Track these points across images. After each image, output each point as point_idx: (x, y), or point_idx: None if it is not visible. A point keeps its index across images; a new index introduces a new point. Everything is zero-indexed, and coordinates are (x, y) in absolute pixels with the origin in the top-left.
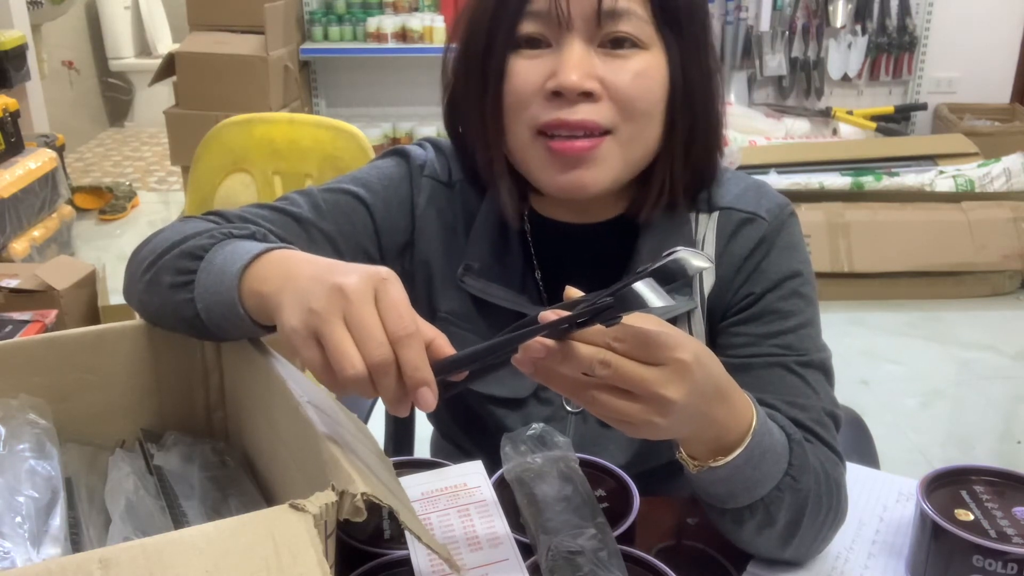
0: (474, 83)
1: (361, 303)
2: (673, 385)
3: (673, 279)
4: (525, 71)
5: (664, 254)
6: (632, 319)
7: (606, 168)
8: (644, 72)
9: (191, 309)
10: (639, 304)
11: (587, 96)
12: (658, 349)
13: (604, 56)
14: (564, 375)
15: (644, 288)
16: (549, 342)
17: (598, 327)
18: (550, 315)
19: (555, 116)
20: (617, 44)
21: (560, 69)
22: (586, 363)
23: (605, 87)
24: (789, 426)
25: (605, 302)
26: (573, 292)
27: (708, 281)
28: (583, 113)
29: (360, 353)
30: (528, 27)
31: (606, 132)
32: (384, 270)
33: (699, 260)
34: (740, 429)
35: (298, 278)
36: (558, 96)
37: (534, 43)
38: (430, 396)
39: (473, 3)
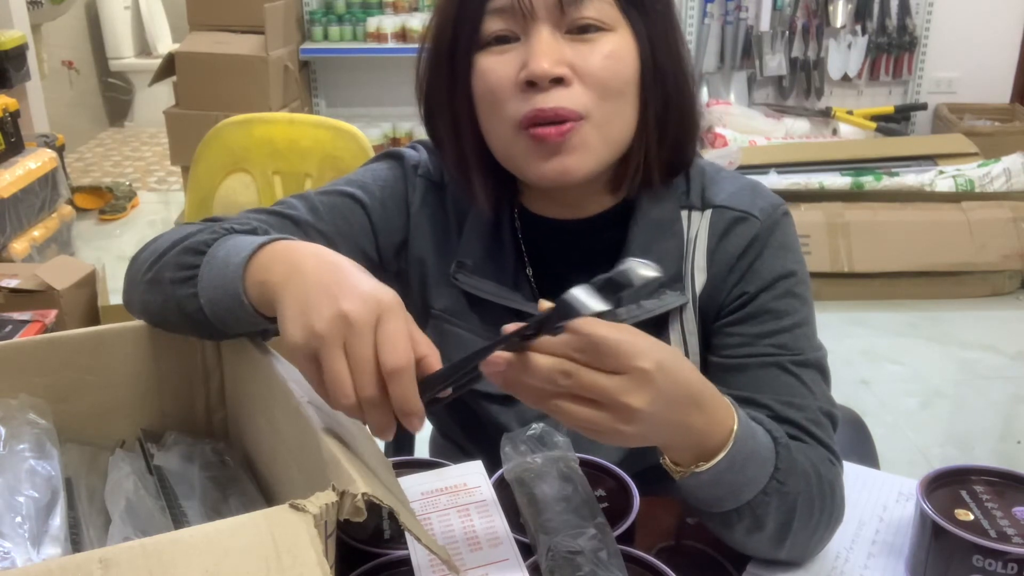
0: (444, 84)
1: (361, 334)
2: (635, 393)
3: (622, 288)
4: (496, 67)
5: (617, 265)
6: (594, 326)
7: (588, 152)
8: (613, 53)
9: (194, 304)
10: (575, 311)
11: (559, 82)
12: (617, 358)
13: (572, 42)
14: (530, 386)
15: (580, 293)
16: (507, 355)
17: (561, 337)
18: (509, 328)
19: (531, 107)
20: (583, 30)
21: (530, 58)
22: (546, 374)
23: (576, 72)
24: (776, 429)
25: (543, 313)
26: (545, 305)
27: (700, 279)
28: (557, 100)
29: (353, 381)
30: (493, 24)
31: (582, 118)
32: (387, 297)
33: (646, 270)
34: (721, 435)
35: (304, 275)
36: (532, 86)
37: (502, 39)
38: (416, 423)
39: (438, 6)
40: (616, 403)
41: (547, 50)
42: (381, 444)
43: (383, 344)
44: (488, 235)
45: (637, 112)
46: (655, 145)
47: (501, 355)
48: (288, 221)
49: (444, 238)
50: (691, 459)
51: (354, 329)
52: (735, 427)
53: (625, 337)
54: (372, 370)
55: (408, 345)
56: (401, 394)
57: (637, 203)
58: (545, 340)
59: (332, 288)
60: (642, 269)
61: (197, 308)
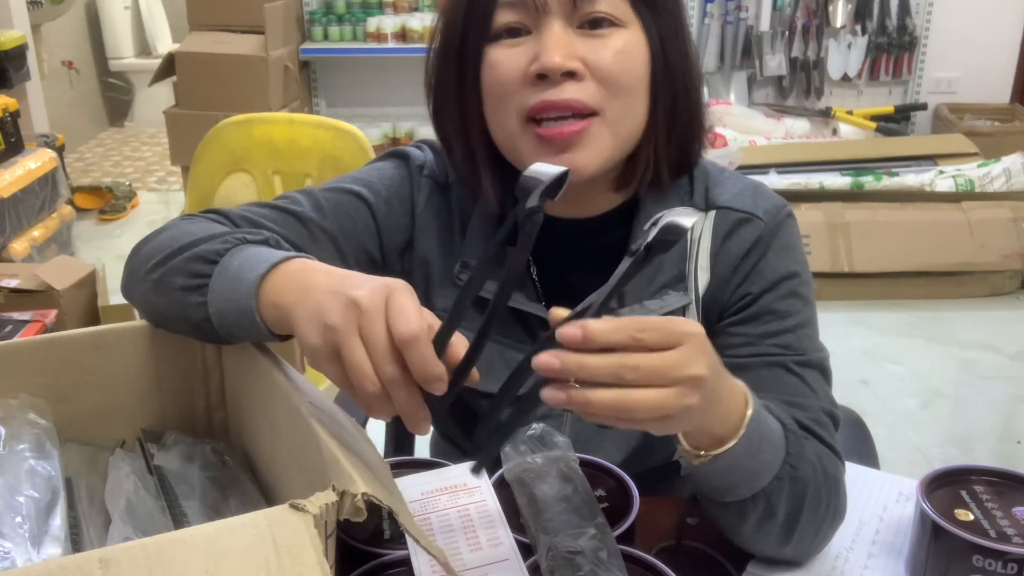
0: (453, 77)
1: (373, 315)
2: (697, 361)
3: (670, 245)
4: (507, 59)
5: (648, 226)
6: (630, 318)
7: (597, 149)
8: (624, 49)
9: (202, 313)
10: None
11: (571, 76)
12: (672, 333)
13: (584, 37)
14: (600, 396)
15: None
16: (562, 354)
17: (609, 326)
18: (559, 314)
19: (541, 98)
20: (595, 24)
21: (542, 51)
22: (613, 373)
23: (587, 66)
24: (784, 416)
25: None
26: (561, 312)
27: (703, 279)
28: (569, 93)
29: (373, 365)
30: (505, 17)
31: (593, 113)
32: (395, 281)
33: (687, 218)
34: (738, 413)
35: (315, 291)
36: (543, 79)
37: (514, 32)
38: (439, 386)
39: (448, 1)
40: (682, 378)
41: (559, 44)
42: (381, 445)
43: (393, 318)
44: (492, 235)
45: (647, 109)
46: (664, 143)
47: (555, 354)
48: (292, 217)
49: (448, 239)
50: (711, 440)
51: (365, 313)
52: (749, 410)
53: (661, 316)
54: (387, 348)
55: (419, 314)
56: (419, 360)
57: (641, 203)
58: (597, 331)
59: (339, 287)
60: (684, 219)
61: (204, 317)
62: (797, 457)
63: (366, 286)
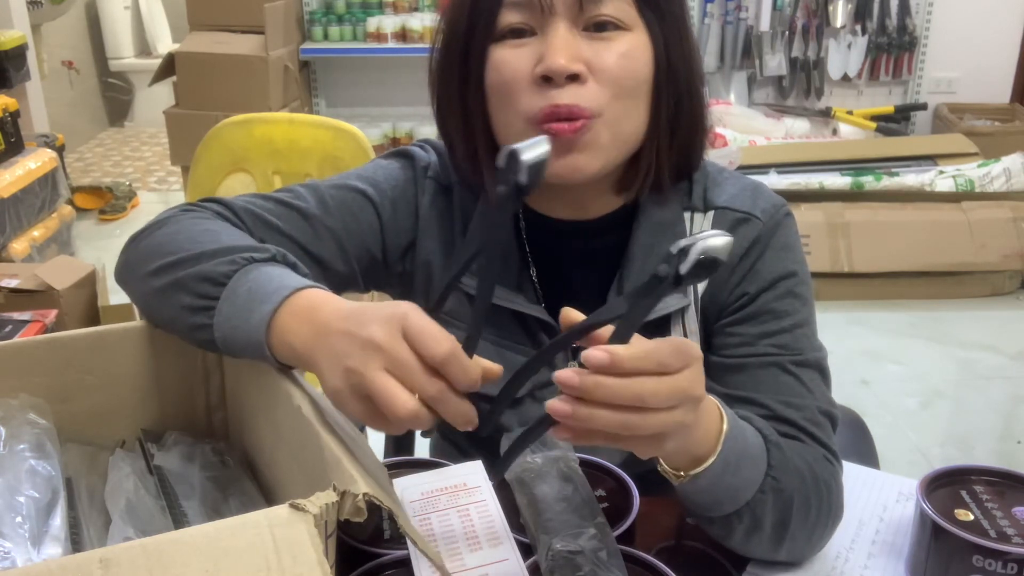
0: (456, 76)
1: (395, 348)
2: (700, 382)
3: (714, 268)
4: (512, 60)
5: (676, 250)
6: (646, 341)
7: (598, 151)
8: (629, 53)
9: (207, 334)
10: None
11: (575, 79)
12: (687, 356)
13: (589, 39)
14: (608, 414)
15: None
16: (583, 373)
17: (636, 352)
18: (571, 316)
19: (547, 102)
20: (600, 27)
21: (547, 53)
22: (635, 398)
23: (591, 69)
24: (765, 427)
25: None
26: (574, 315)
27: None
28: (572, 96)
29: (410, 389)
30: (510, 17)
31: (595, 116)
32: (402, 307)
33: (719, 239)
34: (714, 430)
35: (328, 333)
36: (547, 81)
37: (518, 33)
38: (494, 374)
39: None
40: (689, 398)
41: (564, 46)
42: (380, 446)
43: (421, 341)
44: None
45: (649, 113)
46: (666, 147)
47: (575, 371)
48: (297, 213)
49: (450, 240)
50: (691, 460)
51: (385, 347)
52: (724, 426)
53: (669, 339)
54: (421, 368)
55: (442, 330)
56: (458, 375)
57: (641, 205)
58: (624, 358)
59: (352, 327)
60: (717, 240)
61: (209, 339)
62: (780, 469)
63: (376, 321)
